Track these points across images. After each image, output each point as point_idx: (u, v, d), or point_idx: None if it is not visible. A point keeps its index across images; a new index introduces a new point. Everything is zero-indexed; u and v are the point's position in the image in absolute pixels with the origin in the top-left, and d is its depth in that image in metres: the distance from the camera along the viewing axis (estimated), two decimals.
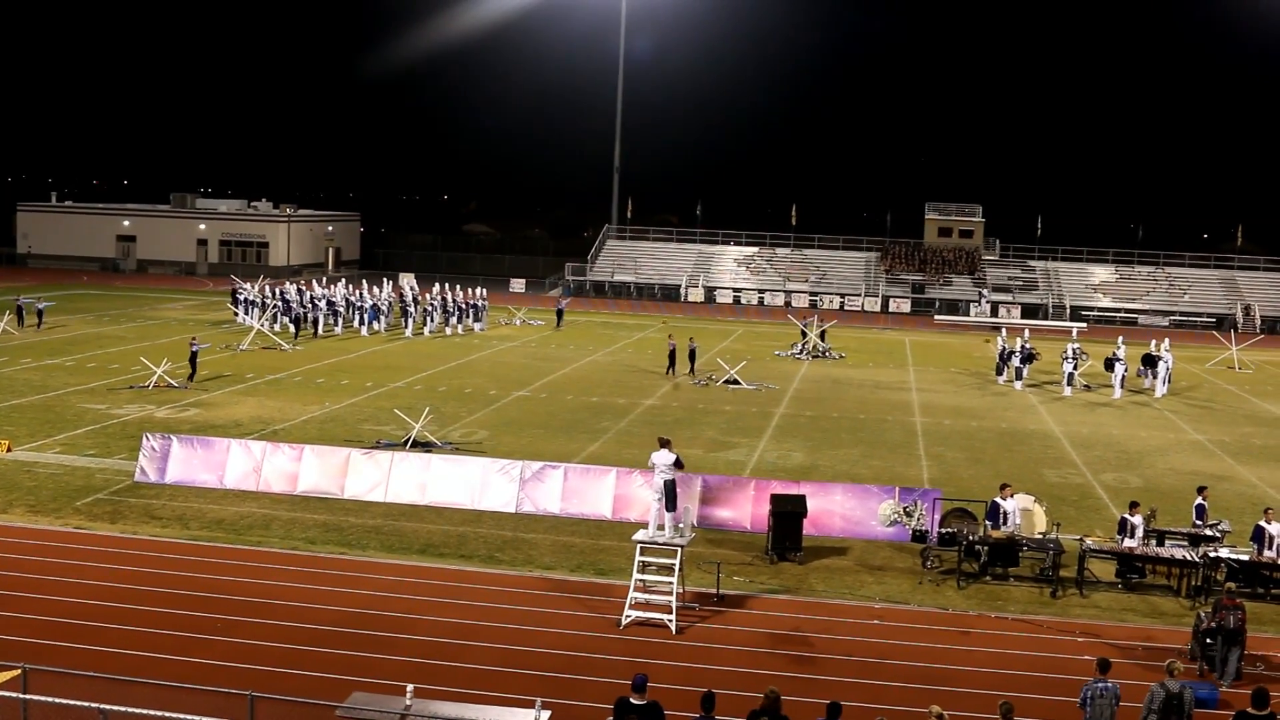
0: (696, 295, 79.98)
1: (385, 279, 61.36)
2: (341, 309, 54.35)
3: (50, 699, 12.73)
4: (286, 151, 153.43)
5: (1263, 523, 21.00)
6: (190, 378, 37.90)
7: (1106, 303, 78.28)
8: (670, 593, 18.39)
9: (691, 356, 44.93)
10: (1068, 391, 43.21)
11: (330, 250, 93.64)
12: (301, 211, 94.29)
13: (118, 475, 25.87)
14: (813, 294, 79.33)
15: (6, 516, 22.62)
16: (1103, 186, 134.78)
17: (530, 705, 13.24)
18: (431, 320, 55.44)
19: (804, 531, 22.13)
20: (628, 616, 18.30)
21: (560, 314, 60.02)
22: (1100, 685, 13.63)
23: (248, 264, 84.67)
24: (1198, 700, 14.21)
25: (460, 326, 55.89)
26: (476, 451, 28.58)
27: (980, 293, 78.08)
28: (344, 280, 59.93)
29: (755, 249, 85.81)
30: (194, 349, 38.75)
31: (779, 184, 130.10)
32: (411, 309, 56.36)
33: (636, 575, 18.68)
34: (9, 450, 27.63)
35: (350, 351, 46.80)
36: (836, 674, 16.75)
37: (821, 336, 53.48)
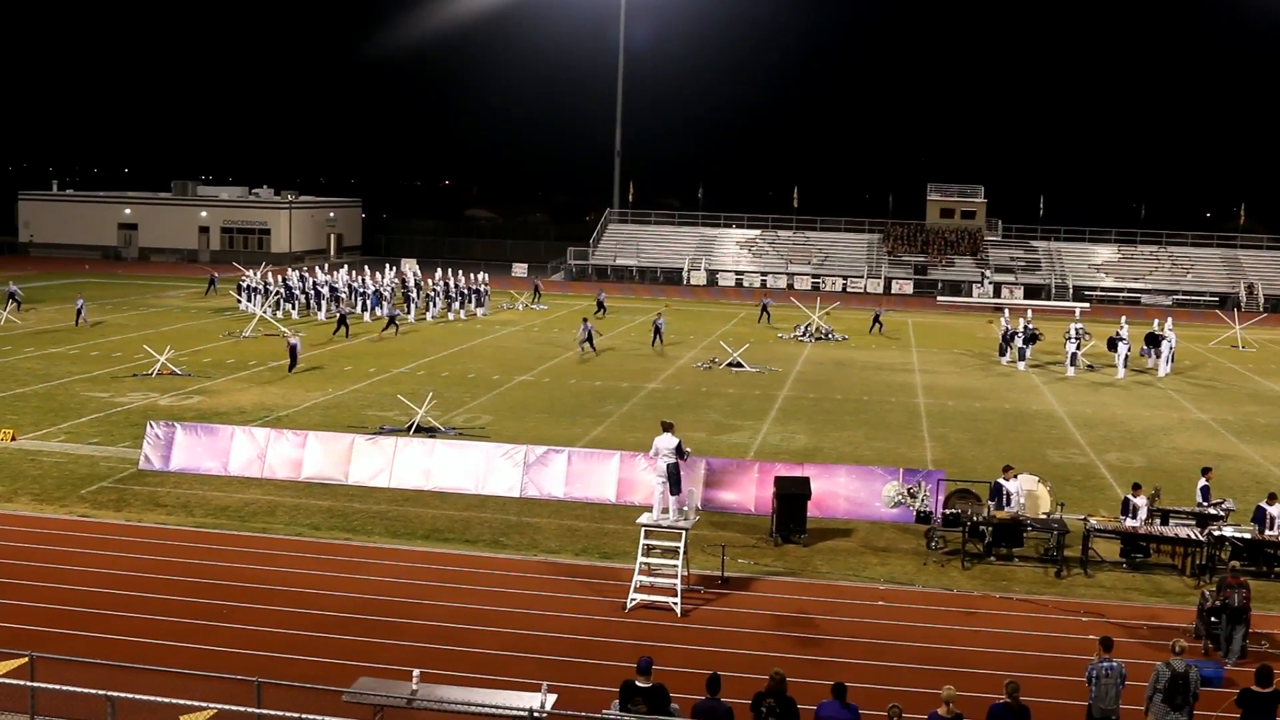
0: (699, 278, 79.89)
1: (387, 265, 61.33)
2: (344, 295, 54.32)
3: (57, 686, 12.78)
4: (287, 138, 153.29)
5: (1264, 504, 20.96)
6: (290, 369, 37.97)
7: (1109, 282, 78.14)
8: (675, 575, 18.40)
9: (657, 332, 46.82)
10: (1071, 372, 43.18)
11: (332, 237, 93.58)
12: (303, 198, 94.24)
13: (122, 463, 25.89)
14: (815, 276, 79.28)
15: (12, 505, 22.66)
16: (1105, 166, 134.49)
17: (536, 689, 13.27)
18: (434, 306, 55.41)
19: (808, 513, 22.12)
20: (633, 599, 18.33)
21: (600, 304, 58.92)
22: (1105, 664, 13.64)
23: (250, 251, 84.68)
24: (1203, 679, 14.20)
25: (463, 311, 55.90)
26: (480, 436, 28.59)
27: (983, 273, 77.97)
28: (346, 266, 59.90)
29: (757, 231, 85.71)
30: (292, 343, 38.64)
31: (780, 166, 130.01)
32: (414, 295, 56.33)
33: (641, 558, 18.70)
34: (14, 439, 27.66)
35: (355, 337, 46.73)
36: (842, 655, 16.77)
37: (877, 321, 54.58)
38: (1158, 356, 44.06)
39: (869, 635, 17.58)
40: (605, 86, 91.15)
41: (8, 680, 13.53)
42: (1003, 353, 46.32)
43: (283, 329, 47.66)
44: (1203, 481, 22.58)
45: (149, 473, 25.22)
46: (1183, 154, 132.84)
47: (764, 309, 57.50)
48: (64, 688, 12.60)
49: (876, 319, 55.10)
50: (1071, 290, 76.19)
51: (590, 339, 44.31)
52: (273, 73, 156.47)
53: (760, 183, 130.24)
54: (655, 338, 47.13)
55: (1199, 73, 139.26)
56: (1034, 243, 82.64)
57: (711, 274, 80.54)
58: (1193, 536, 20.75)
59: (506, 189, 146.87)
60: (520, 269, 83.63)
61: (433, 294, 55.73)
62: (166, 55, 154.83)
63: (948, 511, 22.03)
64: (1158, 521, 21.65)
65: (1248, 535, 20.66)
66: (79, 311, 48.27)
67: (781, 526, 21.93)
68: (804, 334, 51.82)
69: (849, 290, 76.86)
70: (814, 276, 79.31)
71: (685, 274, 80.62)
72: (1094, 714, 13.74)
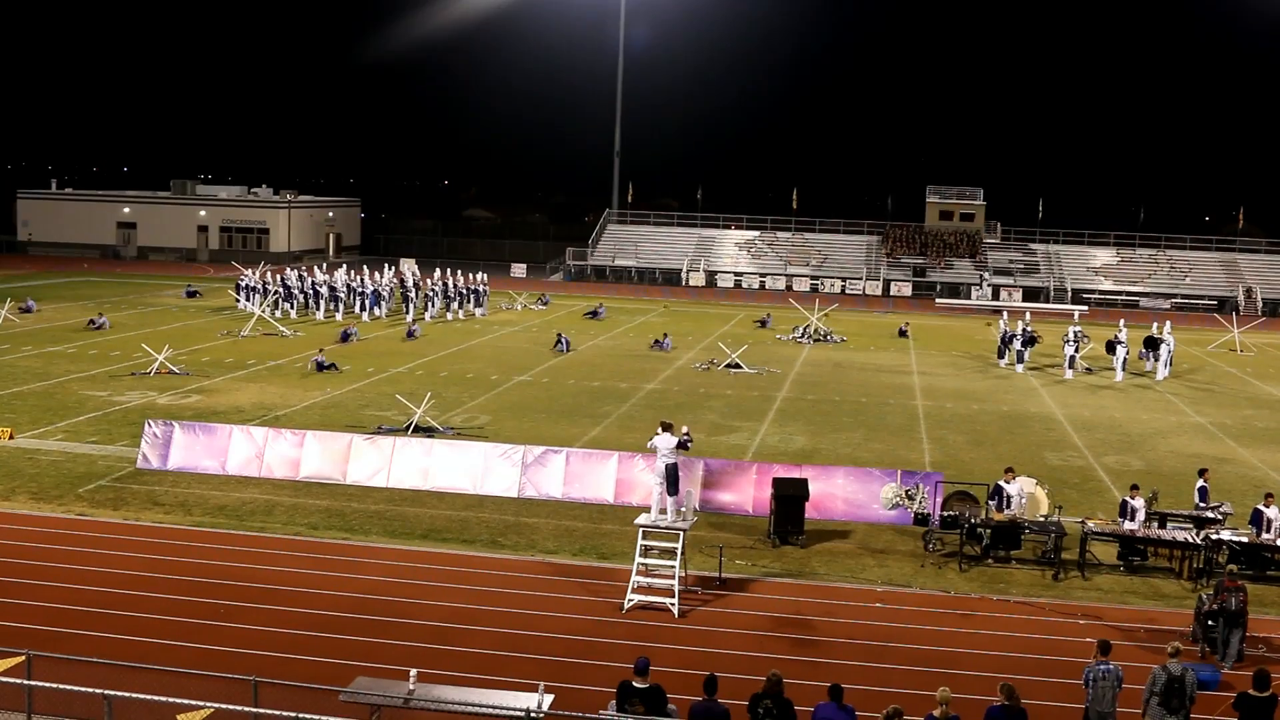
0: (697, 279, 79.87)
1: (386, 264, 61.33)
2: (343, 295, 54.32)
3: (55, 685, 12.78)
4: (286, 137, 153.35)
5: (1261, 506, 20.99)
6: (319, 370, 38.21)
7: (1108, 285, 78.18)
8: (672, 576, 18.41)
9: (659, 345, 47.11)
10: (1069, 374, 43.20)
11: (331, 236, 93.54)
12: (302, 197, 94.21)
13: (120, 462, 25.89)
14: (814, 278, 79.30)
15: (10, 504, 22.65)
16: (1104, 169, 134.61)
17: (533, 689, 13.27)
18: (432, 306, 55.39)
19: (806, 515, 22.12)
20: (630, 600, 18.33)
21: (598, 313, 58.27)
22: (1102, 667, 13.65)
23: (248, 250, 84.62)
24: (1200, 682, 14.22)
25: (461, 312, 55.89)
26: (478, 436, 28.60)
27: (981, 276, 77.99)
28: (345, 266, 59.88)
29: (756, 233, 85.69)
30: (318, 360, 38.58)
31: (780, 167, 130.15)
32: (412, 295, 56.32)
33: (639, 559, 18.71)
34: (11, 438, 27.65)
35: (364, 339, 46.69)
36: (839, 657, 16.77)
37: (903, 333, 54.11)
38: (1156, 360, 44.08)
39: (866, 637, 17.59)
40: (604, 87, 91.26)
41: (5, 679, 13.51)
42: (1001, 355, 46.34)
43: (283, 329, 47.69)
44: (1200, 482, 22.62)
45: (147, 471, 25.21)
46: (1181, 157, 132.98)
47: (765, 320, 57.10)
48: (61, 686, 12.60)
49: (903, 333, 54.40)
50: (1070, 293, 76.20)
51: (564, 347, 45.00)
52: (272, 72, 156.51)
53: (759, 184, 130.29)
54: (657, 346, 46.82)
55: (1198, 76, 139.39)
56: (1033, 245, 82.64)
57: (710, 275, 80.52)
58: (1190, 540, 20.76)
59: (505, 189, 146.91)
60: (519, 269, 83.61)
61: (431, 294, 55.70)
62: (165, 54, 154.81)
63: (945, 514, 22.04)
64: (1155, 524, 21.67)
65: (1245, 539, 20.68)
66: (95, 323, 46.91)
67: (779, 528, 21.94)
68: (802, 335, 51.80)
69: (848, 292, 76.90)
70: (813, 278, 79.33)
71: (684, 275, 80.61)
72: (1090, 717, 13.75)
